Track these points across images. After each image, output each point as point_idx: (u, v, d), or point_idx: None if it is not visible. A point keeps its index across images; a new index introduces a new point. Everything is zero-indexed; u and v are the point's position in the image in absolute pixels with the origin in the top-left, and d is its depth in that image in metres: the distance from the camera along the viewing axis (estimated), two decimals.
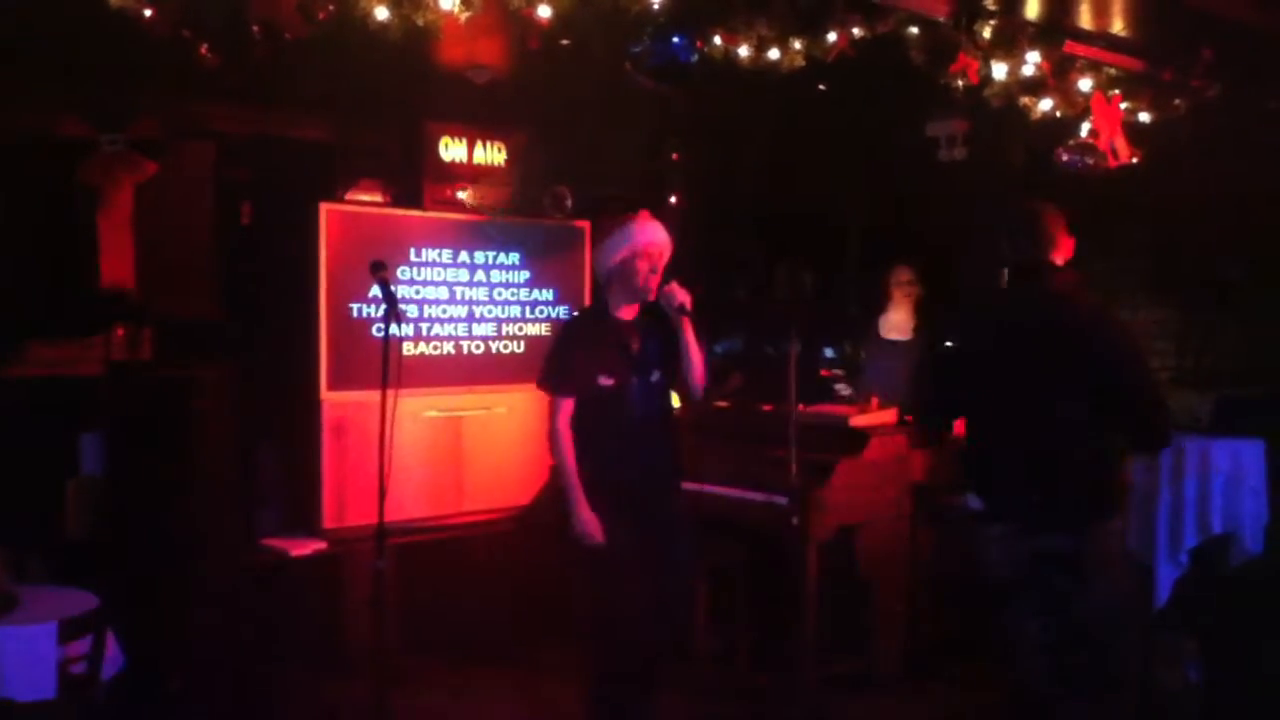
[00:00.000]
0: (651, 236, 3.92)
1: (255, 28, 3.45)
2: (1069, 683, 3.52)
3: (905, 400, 4.88)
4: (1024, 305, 3.62)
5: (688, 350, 3.92)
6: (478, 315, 5.55)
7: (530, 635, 5.30)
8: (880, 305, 5.66)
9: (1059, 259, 3.58)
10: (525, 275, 5.70)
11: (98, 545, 4.80)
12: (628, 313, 3.99)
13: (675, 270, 4.08)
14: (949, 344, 4.18)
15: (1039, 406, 3.47)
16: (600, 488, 3.84)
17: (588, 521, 3.81)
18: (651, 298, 3.93)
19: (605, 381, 3.87)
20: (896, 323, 5.62)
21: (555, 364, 3.97)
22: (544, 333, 5.67)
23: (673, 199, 6.61)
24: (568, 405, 3.89)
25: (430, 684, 4.90)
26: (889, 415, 4.96)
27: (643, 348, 3.95)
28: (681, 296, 3.84)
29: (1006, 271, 4.25)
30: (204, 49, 3.49)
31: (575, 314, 4.18)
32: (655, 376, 3.96)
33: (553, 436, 3.90)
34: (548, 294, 5.77)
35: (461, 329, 5.50)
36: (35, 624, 3.25)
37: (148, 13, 3.40)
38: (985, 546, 3.62)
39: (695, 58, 3.86)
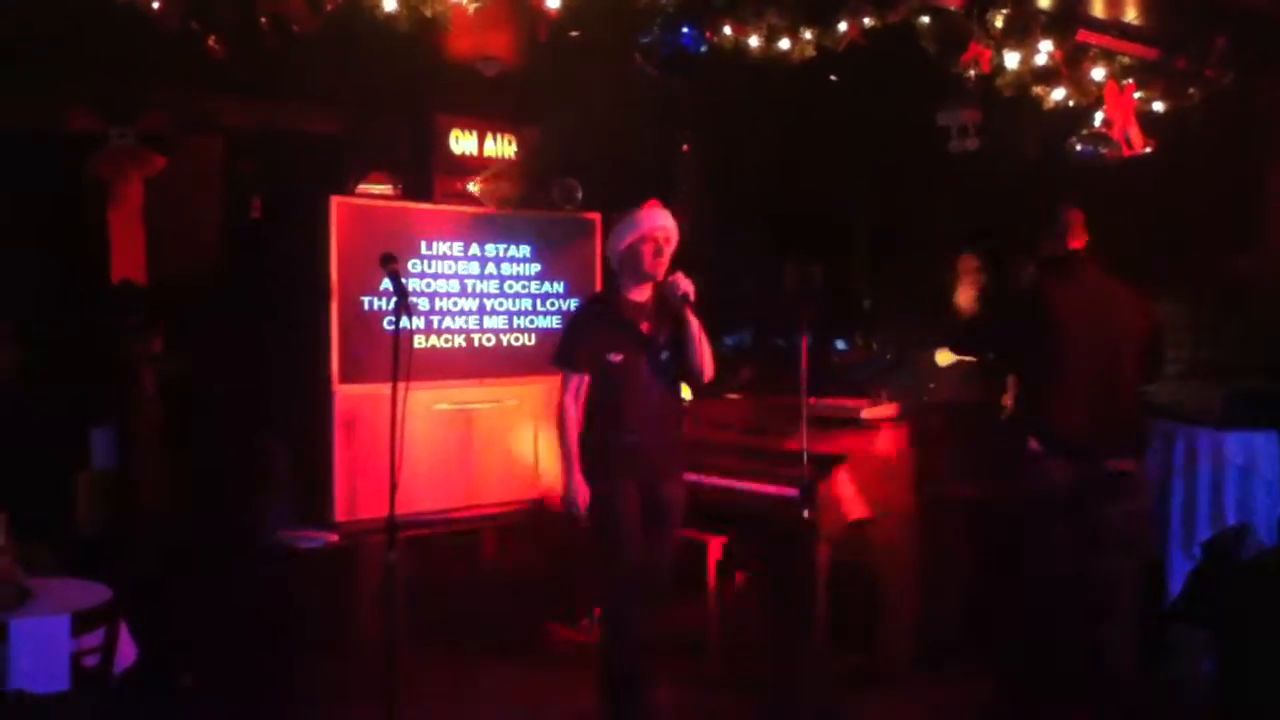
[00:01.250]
0: (657, 221, 4.12)
1: (263, 20, 3.44)
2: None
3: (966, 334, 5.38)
4: (1086, 282, 4.34)
5: (693, 338, 4.08)
6: (488, 308, 5.55)
7: (539, 627, 5.29)
8: (951, 291, 5.75)
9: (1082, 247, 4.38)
10: (536, 268, 5.70)
11: (108, 539, 4.82)
12: (639, 295, 4.17)
13: (685, 262, 4.11)
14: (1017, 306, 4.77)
15: (1105, 362, 4.27)
16: (607, 456, 4.07)
17: (578, 490, 4.07)
18: (658, 279, 4.11)
19: (614, 358, 4.08)
20: (966, 308, 5.71)
21: (567, 342, 4.23)
22: (555, 325, 5.66)
23: (683, 191, 6.59)
24: (574, 381, 4.14)
25: (440, 676, 4.89)
26: (900, 408, 4.94)
27: (653, 329, 4.14)
28: (685, 286, 4.02)
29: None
30: (212, 41, 3.49)
31: (590, 295, 4.36)
32: (665, 356, 4.15)
33: (558, 407, 4.16)
34: (558, 286, 5.77)
35: (472, 322, 5.50)
36: (49, 616, 3.25)
37: (156, 4, 3.39)
38: (1046, 477, 4.28)
39: (705, 48, 3.84)
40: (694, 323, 4.05)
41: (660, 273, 4.09)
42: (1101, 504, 4.28)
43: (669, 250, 4.11)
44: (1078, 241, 4.38)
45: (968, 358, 5.27)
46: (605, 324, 4.14)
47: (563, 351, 4.20)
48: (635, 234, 4.08)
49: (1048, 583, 4.37)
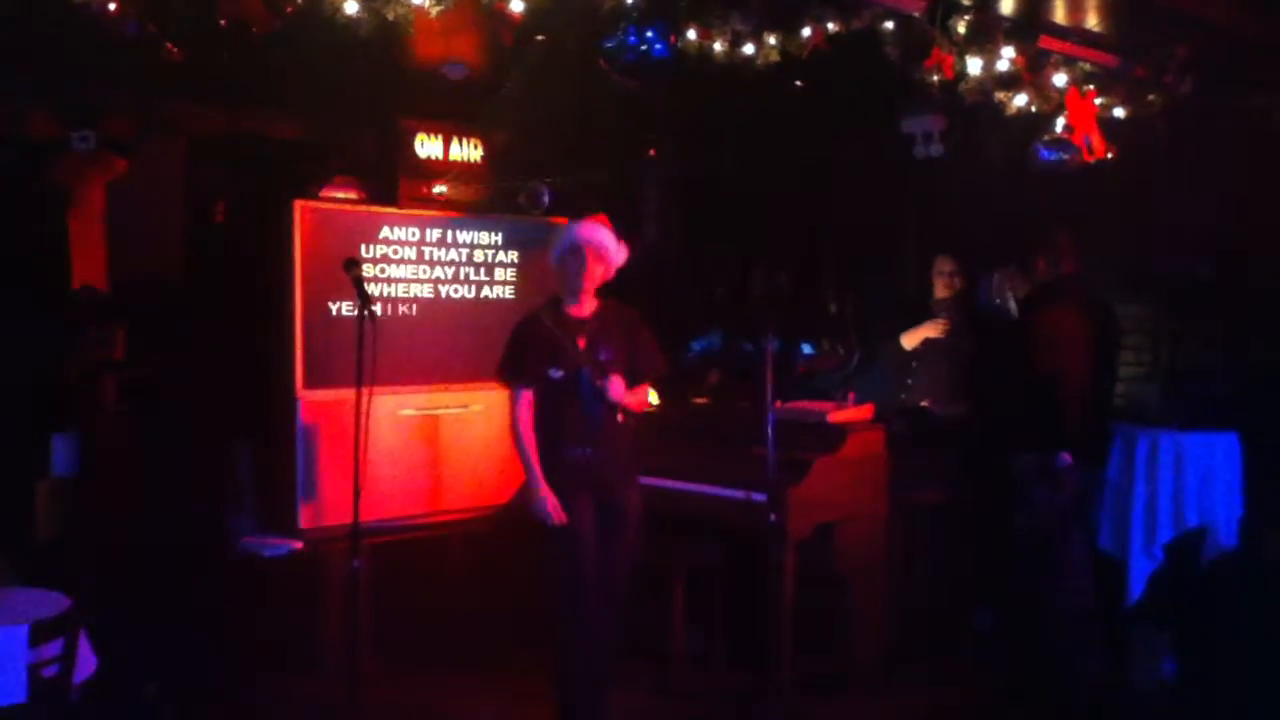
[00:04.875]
0: (589, 237, 4.13)
1: (222, 22, 3.40)
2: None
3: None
4: (1088, 302, 4.82)
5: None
6: (454, 313, 5.52)
7: (504, 635, 5.27)
8: (917, 294, 5.88)
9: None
10: (502, 273, 5.68)
11: (69, 547, 4.76)
12: (578, 310, 4.19)
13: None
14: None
15: (1106, 377, 4.90)
16: (555, 472, 4.08)
17: (547, 501, 4.03)
18: (580, 299, 4.14)
19: (555, 374, 4.09)
20: (940, 309, 5.78)
21: (511, 357, 4.22)
22: None
23: (649, 195, 6.60)
24: (525, 395, 4.14)
25: (404, 684, 4.87)
26: (866, 412, 4.97)
27: (590, 344, 4.13)
28: (615, 394, 4.07)
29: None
30: (169, 45, 3.45)
31: (532, 309, 4.33)
32: (601, 381, 4.11)
33: (512, 426, 4.16)
34: (525, 291, 5.75)
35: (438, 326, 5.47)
36: (6, 626, 3.21)
37: (111, 6, 3.35)
38: (1064, 487, 4.67)
39: (669, 53, 3.84)
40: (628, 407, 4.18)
41: (588, 291, 4.13)
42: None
43: (598, 270, 4.13)
44: (1071, 266, 4.83)
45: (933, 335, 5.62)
46: (545, 339, 4.13)
47: (507, 367, 4.21)
48: (563, 247, 4.13)
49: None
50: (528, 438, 4.11)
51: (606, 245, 4.15)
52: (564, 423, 4.10)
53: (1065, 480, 4.64)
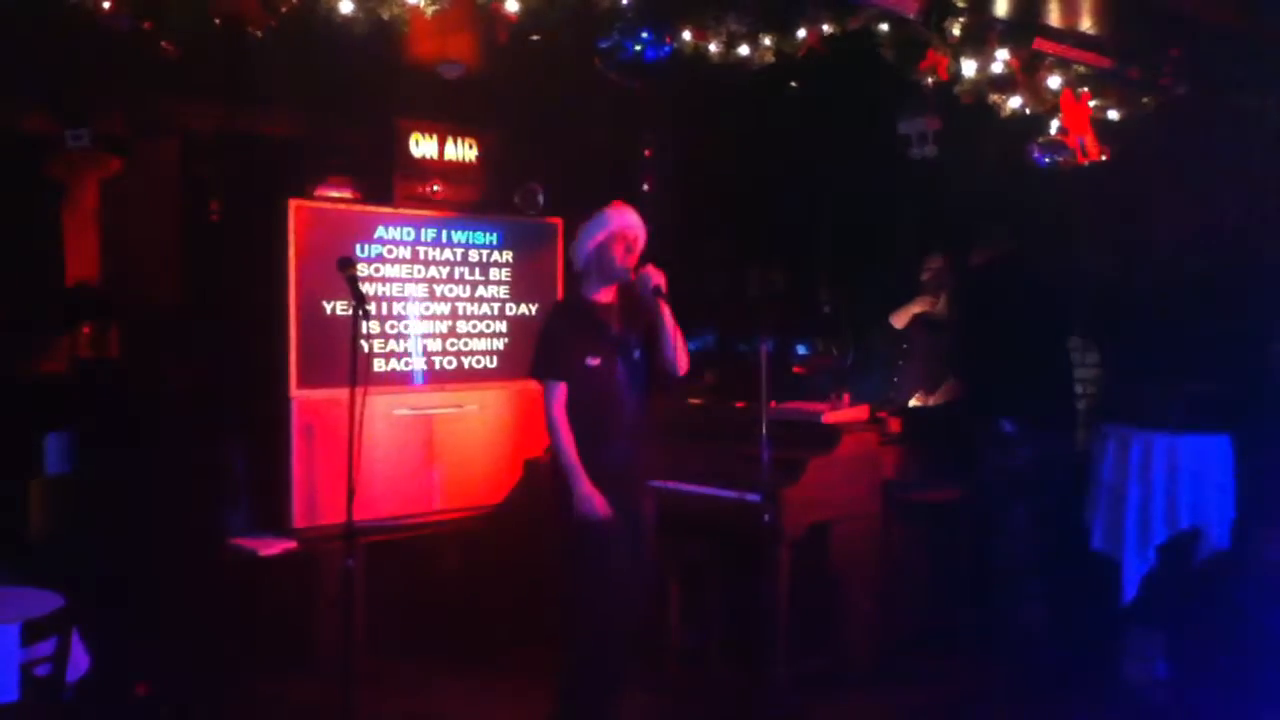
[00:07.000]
0: (626, 220, 4.03)
1: (217, 20, 3.40)
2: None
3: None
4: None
5: (667, 330, 3.98)
6: (449, 312, 5.52)
7: (499, 634, 5.27)
8: (916, 292, 5.91)
9: None
10: (497, 273, 5.68)
11: (63, 546, 4.75)
12: (605, 297, 4.08)
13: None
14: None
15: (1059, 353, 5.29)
16: (589, 468, 3.91)
17: (593, 497, 3.87)
18: (631, 279, 4.00)
19: (592, 363, 3.96)
20: (929, 306, 5.84)
21: (546, 351, 4.04)
22: (517, 330, 5.65)
23: (645, 195, 6.60)
24: (561, 390, 3.96)
25: (398, 684, 4.87)
26: (861, 412, 4.98)
27: (624, 329, 4.05)
28: (656, 278, 3.91)
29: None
30: (165, 43, 3.44)
31: (558, 302, 4.23)
32: (637, 355, 4.05)
33: (550, 423, 3.97)
34: (520, 291, 5.75)
35: (432, 326, 5.47)
36: None
37: (106, 4, 3.34)
38: (1013, 454, 4.97)
39: (664, 54, 3.84)
40: (667, 315, 3.95)
41: (632, 272, 3.98)
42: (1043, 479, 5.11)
43: (638, 249, 4.03)
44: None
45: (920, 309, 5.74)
46: (580, 328, 4.02)
47: (543, 361, 4.02)
48: (605, 232, 3.99)
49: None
50: (568, 436, 3.93)
51: (642, 229, 4.05)
52: (602, 418, 3.95)
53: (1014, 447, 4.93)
